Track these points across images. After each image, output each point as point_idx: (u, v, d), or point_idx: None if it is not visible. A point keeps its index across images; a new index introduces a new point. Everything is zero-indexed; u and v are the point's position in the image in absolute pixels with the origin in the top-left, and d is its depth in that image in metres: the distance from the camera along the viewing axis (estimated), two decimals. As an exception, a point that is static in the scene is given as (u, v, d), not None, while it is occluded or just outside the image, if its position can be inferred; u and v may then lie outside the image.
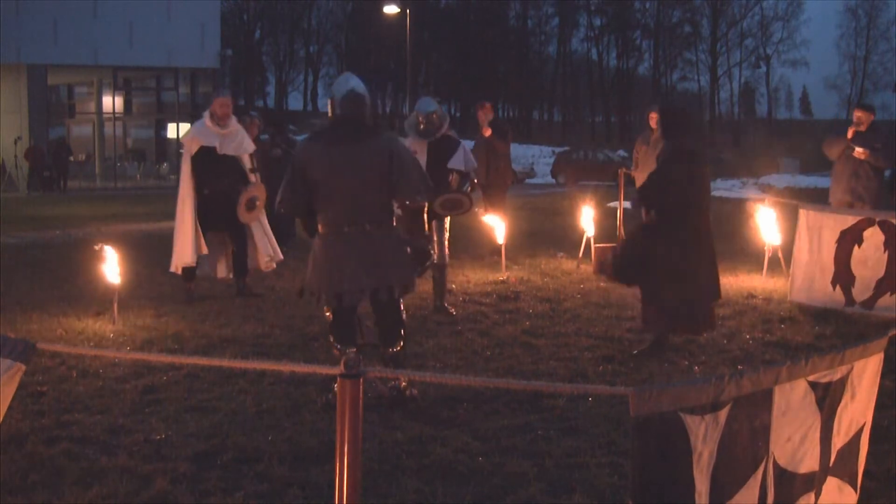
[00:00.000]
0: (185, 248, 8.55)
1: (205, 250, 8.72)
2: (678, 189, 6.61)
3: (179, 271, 8.74)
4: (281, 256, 9.20)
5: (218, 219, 8.66)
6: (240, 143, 8.77)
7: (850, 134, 9.78)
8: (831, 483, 2.95)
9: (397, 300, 5.58)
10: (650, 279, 6.73)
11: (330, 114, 5.57)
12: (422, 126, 7.85)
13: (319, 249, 5.49)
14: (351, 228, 5.39)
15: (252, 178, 8.82)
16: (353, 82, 5.57)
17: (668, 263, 6.59)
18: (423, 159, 7.53)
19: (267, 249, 8.96)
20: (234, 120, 8.74)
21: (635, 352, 6.85)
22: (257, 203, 8.72)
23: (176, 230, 8.70)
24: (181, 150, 8.94)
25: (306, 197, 5.46)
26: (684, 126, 6.89)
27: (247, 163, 8.84)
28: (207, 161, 8.51)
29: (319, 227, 5.52)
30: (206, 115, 8.62)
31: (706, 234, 6.76)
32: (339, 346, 5.56)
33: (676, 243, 6.62)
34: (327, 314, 5.64)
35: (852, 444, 3.00)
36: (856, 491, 3.07)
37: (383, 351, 5.70)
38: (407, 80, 47.94)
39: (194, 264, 8.66)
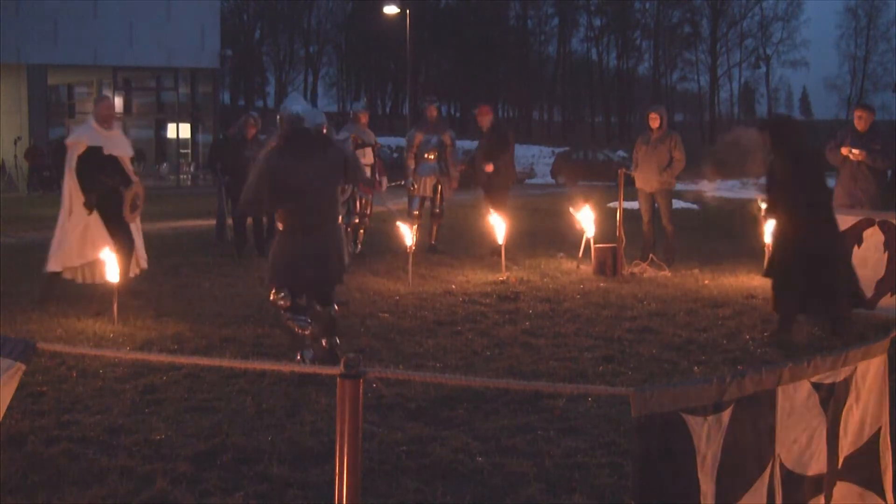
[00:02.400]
0: (71, 249, 8.57)
1: (93, 256, 8.70)
2: (811, 189, 7.31)
3: (59, 269, 8.67)
4: (146, 262, 9.21)
5: (107, 219, 8.70)
6: (124, 145, 9.04)
7: (843, 153, 9.68)
8: (848, 489, 2.92)
9: None
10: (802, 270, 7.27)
11: (281, 128, 6.45)
12: None
13: (292, 247, 6.32)
14: (322, 227, 6.34)
15: (134, 178, 8.96)
16: (298, 106, 6.54)
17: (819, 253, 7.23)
18: None
19: (142, 251, 9.10)
20: (116, 123, 9.03)
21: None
22: (138, 203, 8.91)
23: (61, 230, 8.66)
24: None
25: (270, 201, 6.32)
26: (795, 132, 7.59)
27: (128, 165, 8.98)
28: (95, 162, 8.65)
29: (285, 226, 6.37)
30: (91, 118, 8.86)
31: (836, 224, 7.51)
32: (301, 321, 6.33)
33: (818, 235, 7.25)
34: (281, 301, 6.34)
35: (868, 449, 2.97)
36: (884, 499, 3.02)
37: (322, 313, 6.46)
38: (407, 80, 47.95)
39: (77, 265, 8.68)
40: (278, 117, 6.53)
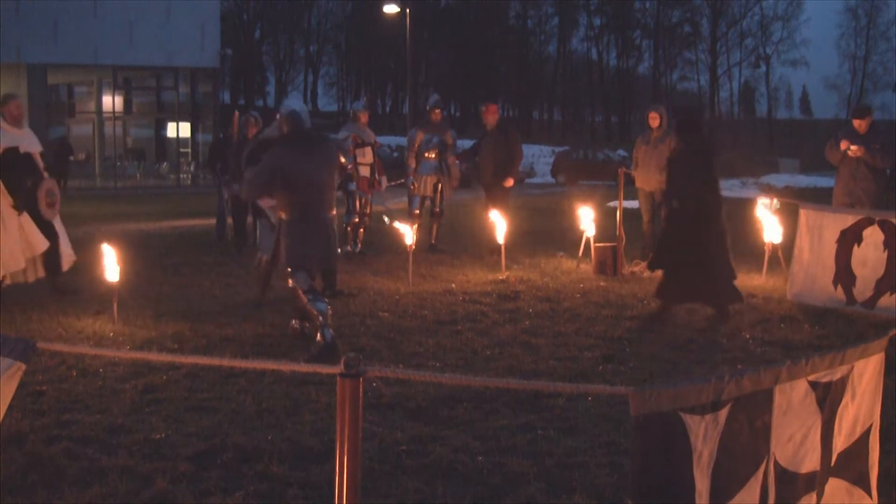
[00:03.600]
0: (14, 253, 8.51)
1: (32, 253, 8.71)
2: (702, 179, 7.79)
3: (7, 279, 8.63)
4: (74, 257, 9.22)
5: (33, 217, 8.72)
6: (35, 141, 9.09)
7: (842, 147, 9.71)
8: (837, 485, 2.93)
9: None
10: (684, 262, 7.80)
11: (283, 128, 7.05)
12: None
13: (301, 232, 6.90)
14: (324, 215, 6.96)
15: (45, 174, 9.01)
16: (296, 105, 7.18)
17: (698, 246, 7.74)
18: None
19: (67, 247, 9.11)
20: (26, 121, 9.11)
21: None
22: (54, 199, 8.96)
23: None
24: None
25: (272, 189, 6.93)
26: (697, 125, 8.20)
27: (40, 161, 9.01)
28: (14, 162, 8.65)
29: (292, 215, 6.88)
30: (1, 119, 8.82)
31: (721, 217, 7.92)
32: (319, 299, 6.89)
33: (703, 226, 7.76)
34: (304, 284, 6.90)
35: (859, 446, 2.98)
36: (870, 495, 3.04)
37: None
38: (407, 80, 47.93)
39: (21, 267, 8.66)
40: (278, 116, 7.14)
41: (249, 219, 12.35)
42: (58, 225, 9.04)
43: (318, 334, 6.80)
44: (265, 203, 8.20)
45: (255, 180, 6.99)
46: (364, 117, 11.93)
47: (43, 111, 34.74)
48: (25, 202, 8.61)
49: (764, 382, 2.59)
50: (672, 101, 66.75)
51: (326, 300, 7.03)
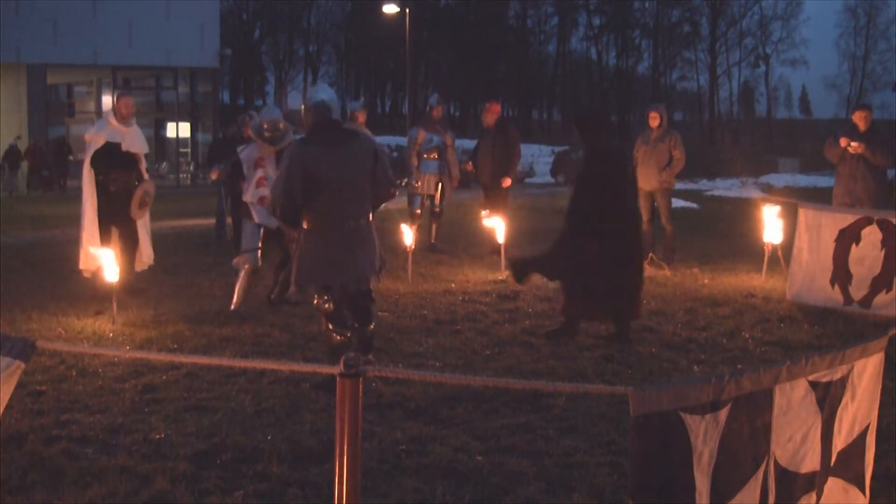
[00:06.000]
0: (96, 247, 8.65)
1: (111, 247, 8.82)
2: (598, 189, 7.20)
3: (90, 271, 8.77)
4: (152, 259, 9.37)
5: (117, 215, 8.87)
6: (141, 141, 9.23)
7: (842, 143, 9.76)
8: (835, 484, 2.94)
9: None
10: (573, 273, 7.34)
11: (306, 121, 6.05)
12: (266, 133, 7.96)
13: (321, 244, 5.94)
14: (351, 223, 5.95)
15: (146, 175, 9.20)
16: (324, 94, 6.05)
17: (589, 259, 7.19)
18: (270, 165, 7.82)
19: (147, 248, 9.25)
20: (134, 119, 9.19)
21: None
22: (147, 200, 9.13)
23: (84, 229, 8.78)
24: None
25: (302, 195, 5.84)
26: (600, 129, 7.56)
27: (142, 162, 9.18)
28: (111, 157, 8.80)
29: (311, 223, 5.94)
30: (110, 113, 9.02)
31: (628, 230, 7.31)
32: (340, 332, 6.01)
33: (598, 239, 7.19)
34: (325, 305, 5.94)
35: (856, 446, 2.99)
36: (864, 494, 3.05)
37: (360, 330, 6.13)
38: (406, 80, 47.92)
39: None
40: (303, 108, 6.10)
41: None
42: (141, 226, 9.15)
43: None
44: (248, 198, 8.07)
45: (276, 188, 5.95)
46: (361, 117, 11.91)
47: (42, 111, 34.78)
48: (114, 199, 8.77)
49: (764, 382, 2.59)
50: (672, 100, 66.86)
51: (349, 333, 6.05)
